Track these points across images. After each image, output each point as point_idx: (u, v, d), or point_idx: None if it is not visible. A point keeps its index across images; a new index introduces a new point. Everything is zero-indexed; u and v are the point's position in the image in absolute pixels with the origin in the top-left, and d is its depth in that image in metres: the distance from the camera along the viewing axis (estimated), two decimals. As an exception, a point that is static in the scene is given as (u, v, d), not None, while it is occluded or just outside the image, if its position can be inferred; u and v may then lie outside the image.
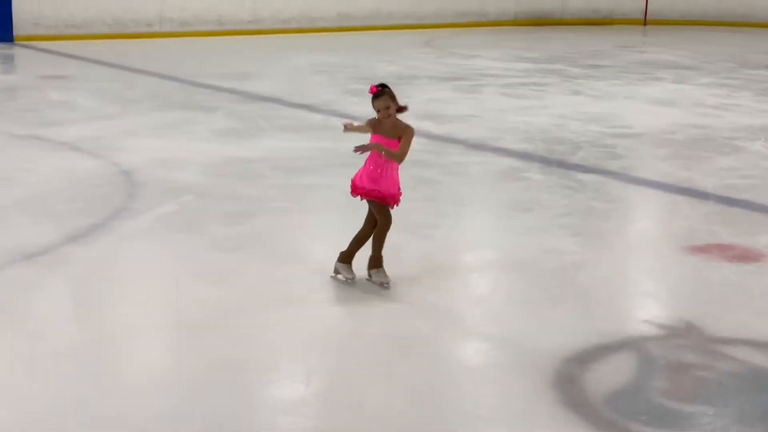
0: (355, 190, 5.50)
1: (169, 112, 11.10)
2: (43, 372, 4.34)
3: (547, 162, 8.75)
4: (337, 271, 5.59)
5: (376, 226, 5.49)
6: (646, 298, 5.56)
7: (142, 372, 4.43)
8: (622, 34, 22.90)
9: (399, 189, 5.53)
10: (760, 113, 11.62)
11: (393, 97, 5.35)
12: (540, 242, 6.34)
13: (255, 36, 20.68)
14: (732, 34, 23.02)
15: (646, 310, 5.33)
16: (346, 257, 5.57)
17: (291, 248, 6.17)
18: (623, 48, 19.64)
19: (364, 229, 5.57)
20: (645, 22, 25.74)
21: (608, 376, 4.35)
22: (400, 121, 5.40)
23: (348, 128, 5.53)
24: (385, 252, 5.51)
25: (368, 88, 5.49)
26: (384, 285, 5.47)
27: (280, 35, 20.94)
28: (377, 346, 4.68)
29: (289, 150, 9.06)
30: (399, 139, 5.36)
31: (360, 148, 5.36)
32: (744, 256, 6.09)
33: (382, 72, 14.96)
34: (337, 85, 13.49)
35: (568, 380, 4.29)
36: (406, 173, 8.15)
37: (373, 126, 5.44)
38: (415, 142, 9.48)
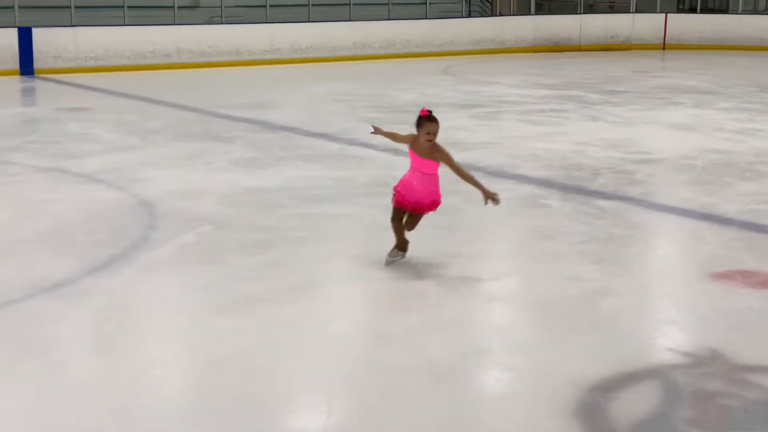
0: (415, 209, 6.17)
1: (187, 142, 11.16)
2: (64, 404, 4.32)
3: (567, 189, 8.71)
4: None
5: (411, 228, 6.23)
6: (670, 326, 5.49)
7: (163, 404, 4.40)
8: (640, 59, 22.88)
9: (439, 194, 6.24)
10: (781, 137, 11.56)
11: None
12: (561, 270, 6.29)
13: (272, 66, 20.81)
14: (752, 58, 22.95)
15: (670, 338, 5.27)
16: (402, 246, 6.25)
17: (310, 278, 6.15)
18: (642, 73, 19.61)
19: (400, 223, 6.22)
20: (664, 47, 25.73)
21: (633, 405, 4.29)
22: (437, 144, 6.05)
23: (378, 131, 6.38)
24: (406, 282, 5.47)
25: (367, 124, 6.22)
26: (391, 259, 6.20)
27: (297, 64, 21.06)
28: (399, 376, 4.64)
29: (307, 179, 9.06)
30: (434, 159, 6.05)
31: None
32: (767, 282, 6.02)
33: (400, 100, 15.00)
34: (354, 113, 13.52)
35: (593, 409, 4.23)
36: (425, 201, 8.14)
37: (413, 140, 6.10)
38: (434, 170, 9.51)
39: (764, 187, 8.80)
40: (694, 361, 4.78)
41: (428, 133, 5.97)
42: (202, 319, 5.43)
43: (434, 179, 6.14)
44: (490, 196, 6.09)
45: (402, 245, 6.28)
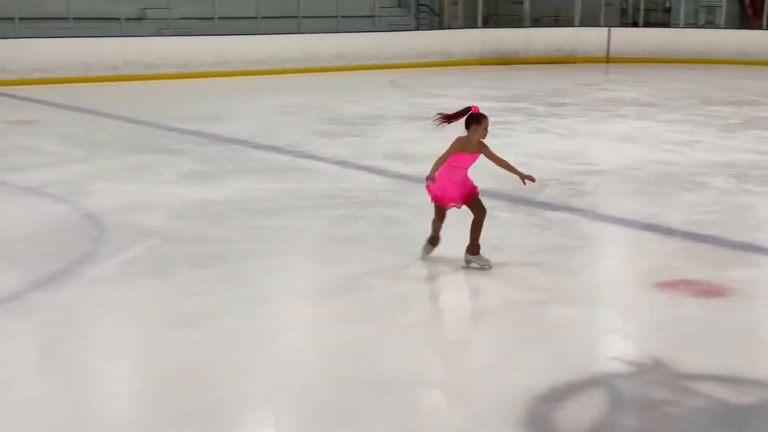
0: (446, 202, 6.57)
1: (135, 155, 11.07)
2: (12, 421, 4.27)
3: (515, 200, 8.80)
4: (469, 261, 6.54)
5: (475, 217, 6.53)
6: (616, 335, 5.60)
7: (112, 420, 4.37)
8: (585, 72, 23.20)
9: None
10: (723, 149, 11.79)
11: None
12: (509, 281, 6.37)
13: (221, 78, 20.72)
14: (692, 71, 23.39)
15: (616, 348, 5.36)
16: (476, 249, 6.53)
17: (260, 290, 6.15)
18: (587, 86, 19.89)
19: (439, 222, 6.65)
20: (607, 60, 26.13)
21: (579, 414, 4.36)
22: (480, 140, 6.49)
23: (433, 177, 6.38)
24: (356, 294, 5.50)
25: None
26: (486, 267, 6.43)
27: (246, 77, 21.00)
28: (348, 390, 4.66)
29: (256, 192, 9.05)
30: (479, 152, 6.49)
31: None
32: (710, 291, 6.15)
33: (350, 113, 15.03)
34: (304, 125, 13.51)
35: (540, 419, 4.29)
36: (374, 213, 8.20)
37: (463, 143, 6.44)
38: (384, 182, 9.61)
39: (704, 198, 8.99)
40: (639, 370, 4.88)
41: (485, 129, 6.44)
42: (151, 334, 5.40)
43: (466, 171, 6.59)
44: (527, 177, 6.58)
45: (435, 240, 6.72)
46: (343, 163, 10.39)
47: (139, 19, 22.05)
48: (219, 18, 21.55)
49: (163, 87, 19.07)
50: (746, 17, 28.71)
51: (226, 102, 16.77)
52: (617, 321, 5.86)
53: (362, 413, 4.38)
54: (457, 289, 6.39)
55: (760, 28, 26.38)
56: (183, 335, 5.32)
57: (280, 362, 4.99)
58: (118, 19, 20.60)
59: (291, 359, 5.05)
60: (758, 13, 27.40)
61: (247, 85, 19.70)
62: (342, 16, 23.43)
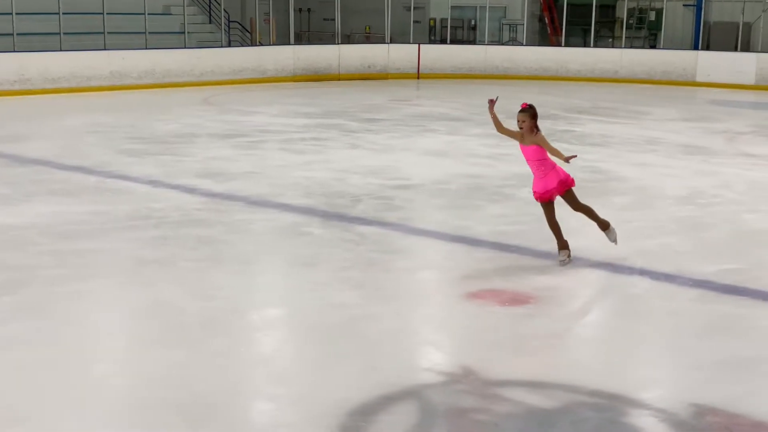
0: (540, 197, 7.06)
1: (-72, 179, 10.42)
2: None
3: (329, 216, 8.87)
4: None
5: (578, 210, 7.15)
6: (427, 347, 5.72)
7: None
8: (397, 88, 23.68)
9: (566, 175, 7.08)
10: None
11: (533, 116, 7.09)
12: (324, 297, 6.40)
13: (22, 96, 19.85)
14: (497, 87, 24.26)
15: (428, 359, 5.48)
16: (563, 245, 7.15)
17: (67, 318, 5.91)
18: (398, 101, 20.30)
19: (550, 221, 7.11)
20: (418, 76, 26.78)
21: (391, 427, 4.42)
22: (536, 133, 7.05)
23: (492, 111, 7.32)
24: (169, 317, 5.37)
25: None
26: (613, 240, 7.21)
27: (49, 95, 20.21)
28: (164, 414, 4.54)
29: (61, 215, 8.70)
30: (533, 144, 7.00)
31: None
32: (515, 299, 6.39)
33: (160, 131, 14.71)
34: (112, 145, 13.11)
35: (354, 434, 4.33)
36: (186, 233, 8.05)
37: (519, 135, 7.12)
38: (196, 201, 9.45)
39: (510, 210, 9.35)
40: (449, 380, 5.00)
41: (519, 120, 7.00)
42: (-54, 369, 5.08)
43: (546, 163, 7.01)
44: (569, 159, 6.89)
45: (563, 244, 7.15)
46: (154, 183, 10.15)
47: (-69, 34, 20.81)
48: (18, 34, 20.57)
49: (-41, 106, 18.06)
50: (546, 35, 30.17)
51: (28, 121, 16.07)
52: (429, 333, 6.00)
53: (174, 440, 4.28)
54: (271, 307, 6.37)
55: (558, 45, 27.78)
56: (-19, 369, 5.04)
57: (91, 391, 4.81)
58: None
59: (102, 387, 4.88)
60: (557, 30, 28.83)
61: (50, 103, 18.95)
62: (150, 32, 22.91)
